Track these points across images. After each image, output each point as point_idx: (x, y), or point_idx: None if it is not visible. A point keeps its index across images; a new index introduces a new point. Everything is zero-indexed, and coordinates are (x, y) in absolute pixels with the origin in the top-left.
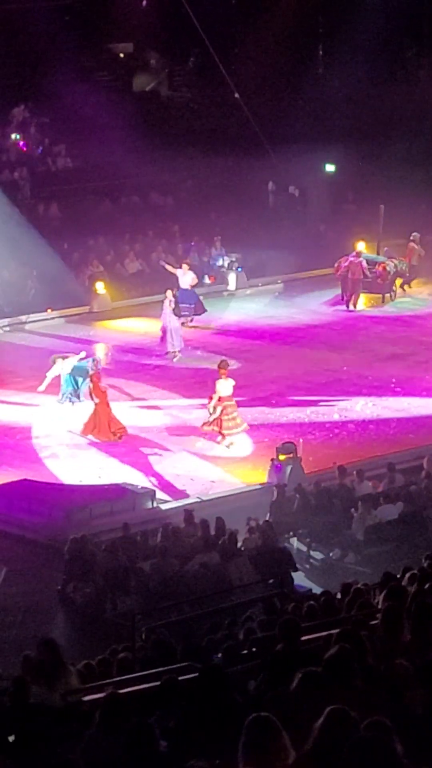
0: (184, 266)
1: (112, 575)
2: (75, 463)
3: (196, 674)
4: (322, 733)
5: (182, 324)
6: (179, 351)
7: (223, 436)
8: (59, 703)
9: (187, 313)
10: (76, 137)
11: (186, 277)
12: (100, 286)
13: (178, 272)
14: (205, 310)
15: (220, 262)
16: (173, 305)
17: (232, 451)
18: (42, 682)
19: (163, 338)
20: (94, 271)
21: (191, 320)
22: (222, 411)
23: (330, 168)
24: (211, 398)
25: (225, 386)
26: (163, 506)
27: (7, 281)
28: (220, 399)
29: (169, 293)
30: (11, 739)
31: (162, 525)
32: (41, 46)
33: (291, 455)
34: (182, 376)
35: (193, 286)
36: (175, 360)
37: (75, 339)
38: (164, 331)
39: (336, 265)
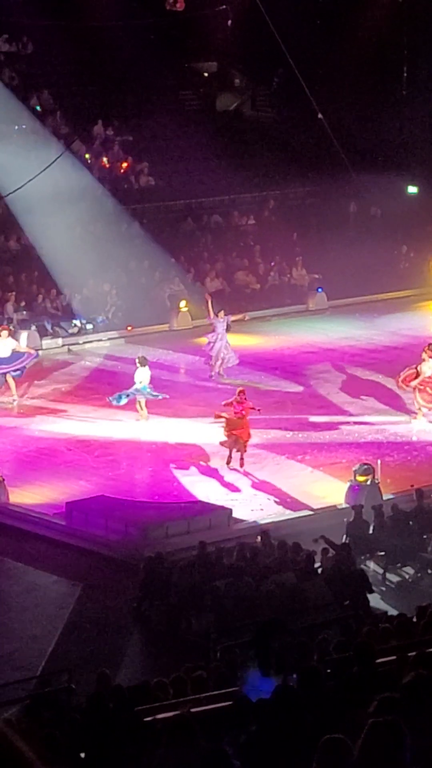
0: (3, 333)
1: (187, 593)
2: (153, 480)
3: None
4: (364, 747)
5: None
6: (223, 370)
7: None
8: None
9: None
10: (159, 156)
11: (5, 343)
12: (182, 305)
13: None
14: None
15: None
16: (228, 324)
17: (309, 473)
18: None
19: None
20: (174, 290)
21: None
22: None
23: (412, 189)
24: None
25: (429, 366)
26: (239, 525)
27: (87, 298)
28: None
29: (221, 313)
30: (83, 755)
31: (238, 544)
32: (125, 64)
33: (368, 477)
34: (260, 395)
35: (16, 351)
36: (214, 376)
37: (156, 357)
38: (211, 347)
39: None
